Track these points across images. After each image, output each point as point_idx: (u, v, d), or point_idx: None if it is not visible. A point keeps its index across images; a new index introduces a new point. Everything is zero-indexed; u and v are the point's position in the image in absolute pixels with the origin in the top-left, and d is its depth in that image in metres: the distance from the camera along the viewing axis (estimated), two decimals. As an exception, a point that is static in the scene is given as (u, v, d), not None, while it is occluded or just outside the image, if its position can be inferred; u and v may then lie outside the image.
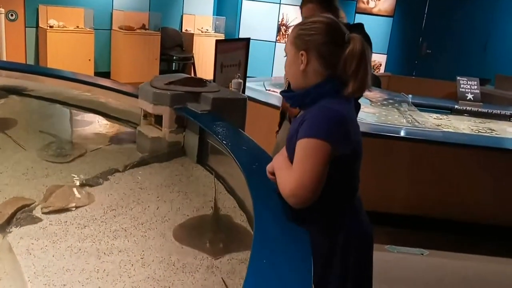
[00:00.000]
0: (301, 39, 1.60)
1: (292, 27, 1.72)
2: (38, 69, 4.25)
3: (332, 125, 1.50)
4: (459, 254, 3.40)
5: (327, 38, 1.58)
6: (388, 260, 3.20)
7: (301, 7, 2.78)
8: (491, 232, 3.75)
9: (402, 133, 3.90)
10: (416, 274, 3.09)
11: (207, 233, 1.93)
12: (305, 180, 1.44)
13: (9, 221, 1.93)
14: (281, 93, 1.85)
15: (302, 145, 1.48)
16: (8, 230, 1.88)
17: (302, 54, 1.59)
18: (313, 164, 1.45)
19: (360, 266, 1.74)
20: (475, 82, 5.61)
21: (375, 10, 10.00)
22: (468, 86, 5.55)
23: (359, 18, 9.95)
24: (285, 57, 1.69)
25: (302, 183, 1.44)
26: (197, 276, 1.68)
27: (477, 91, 5.55)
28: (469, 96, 5.50)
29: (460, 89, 5.56)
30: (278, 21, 9.99)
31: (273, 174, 1.62)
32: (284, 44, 1.74)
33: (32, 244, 1.79)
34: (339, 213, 1.59)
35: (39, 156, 2.59)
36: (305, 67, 1.60)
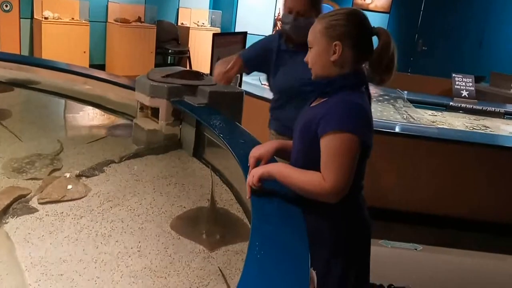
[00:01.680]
0: (335, 29, 1.59)
1: (316, 21, 1.69)
2: (42, 62, 4.22)
3: (359, 119, 1.53)
4: (453, 249, 3.42)
5: (360, 29, 1.61)
6: (382, 254, 3.22)
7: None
8: (485, 228, 3.77)
9: (397, 129, 3.91)
10: (409, 269, 3.11)
11: (203, 225, 1.94)
12: (344, 174, 1.48)
13: (5, 211, 1.93)
14: (303, 82, 1.89)
15: (332, 140, 1.50)
16: (4, 220, 1.88)
17: (336, 45, 1.59)
18: (348, 158, 1.49)
19: (362, 255, 1.78)
20: (470, 79, 5.63)
21: (371, 6, 10.00)
22: (463, 83, 5.58)
23: (355, 14, 9.95)
24: (310, 50, 1.68)
25: (342, 178, 1.48)
26: (193, 265, 1.69)
27: (472, 88, 5.57)
28: (464, 93, 5.53)
29: (456, 86, 5.59)
30: (275, 16, 9.98)
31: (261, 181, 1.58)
32: None
33: (29, 234, 1.79)
34: (350, 203, 1.60)
35: (34, 147, 2.59)
36: (337, 58, 1.60)
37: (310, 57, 1.68)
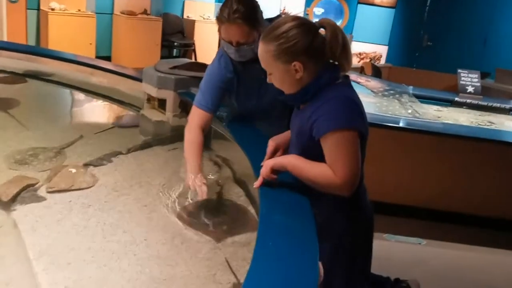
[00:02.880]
0: (286, 52, 1.56)
1: (261, 44, 1.61)
2: (57, 54, 4.23)
3: (350, 112, 1.55)
4: (457, 244, 3.43)
5: (309, 37, 1.56)
6: (386, 248, 3.23)
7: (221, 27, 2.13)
8: (490, 223, 3.78)
9: (402, 124, 3.91)
10: (413, 263, 3.12)
11: (210, 216, 1.94)
12: (352, 167, 1.51)
13: (13, 200, 1.95)
14: (280, 98, 1.77)
15: (333, 140, 1.52)
16: (12, 208, 1.90)
17: (295, 65, 1.57)
18: (351, 151, 1.51)
19: (366, 244, 1.80)
20: (476, 75, 5.61)
21: (377, 1, 9.96)
22: (469, 79, 5.55)
23: (361, 9, 9.93)
24: (270, 75, 1.64)
25: (351, 171, 1.50)
26: (200, 256, 1.70)
27: (478, 84, 5.55)
28: (470, 89, 5.50)
29: (461, 82, 5.56)
30: (280, 10, 9.96)
31: (274, 172, 1.63)
32: None
33: (37, 222, 1.80)
34: (354, 195, 1.61)
35: (41, 137, 2.60)
36: (302, 74, 1.59)
37: (274, 82, 1.65)
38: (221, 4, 2.10)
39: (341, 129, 1.51)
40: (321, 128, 1.53)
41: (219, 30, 2.12)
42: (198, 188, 1.98)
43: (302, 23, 1.57)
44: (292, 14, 1.87)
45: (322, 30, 1.60)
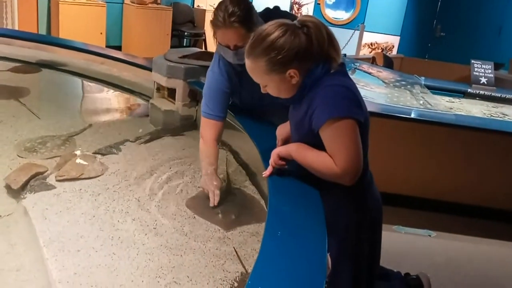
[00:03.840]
0: (279, 63, 1.53)
1: (250, 61, 1.58)
2: (63, 42, 4.24)
3: (346, 100, 1.52)
4: (467, 236, 3.40)
5: (296, 42, 1.52)
6: (395, 240, 3.22)
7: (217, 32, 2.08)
8: (501, 216, 3.74)
9: (414, 115, 3.87)
10: (423, 255, 3.10)
11: (219, 206, 1.94)
12: (353, 156, 1.49)
13: (23, 187, 1.96)
14: (279, 102, 1.72)
15: (330, 129, 1.50)
16: (22, 196, 1.91)
17: (289, 73, 1.54)
18: (350, 140, 1.49)
19: (375, 236, 1.79)
20: (490, 66, 5.54)
21: (390, -9, 9.85)
22: (482, 70, 5.48)
23: (372, -1, 9.84)
24: (264, 87, 1.62)
25: (351, 160, 1.48)
26: (208, 245, 1.70)
27: (491, 75, 5.47)
28: (483, 80, 5.44)
29: (474, 73, 5.50)
30: (291, 0, 9.89)
31: (282, 159, 1.64)
32: None
33: (47, 209, 1.81)
34: (359, 180, 1.60)
35: (52, 125, 2.61)
36: (298, 78, 1.56)
37: (270, 92, 1.63)
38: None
39: (337, 118, 1.49)
40: (318, 120, 1.52)
41: (214, 35, 2.06)
42: (211, 194, 1.97)
43: (286, 30, 1.53)
44: (272, 21, 1.78)
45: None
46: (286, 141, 1.80)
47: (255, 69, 1.58)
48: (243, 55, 2.02)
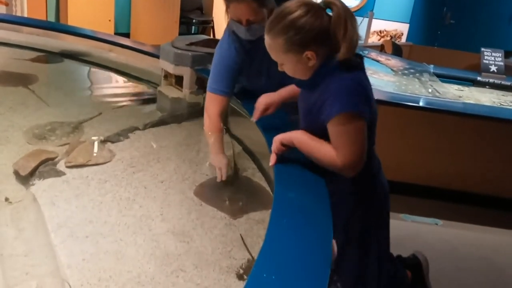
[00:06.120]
0: (297, 43, 1.51)
1: (269, 38, 1.56)
2: (71, 29, 4.25)
3: (356, 96, 1.52)
4: (474, 225, 3.40)
5: (317, 24, 1.50)
6: (402, 228, 3.22)
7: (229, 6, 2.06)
8: (509, 205, 3.73)
9: (422, 103, 3.85)
10: (429, 243, 3.10)
11: (226, 193, 1.95)
12: (356, 154, 1.50)
13: (32, 174, 1.98)
14: (293, 82, 1.77)
15: (336, 123, 1.50)
16: (31, 182, 1.93)
17: (307, 54, 1.52)
18: (354, 136, 1.50)
19: (380, 223, 1.80)
20: (500, 54, 5.48)
21: (399, -22, 9.75)
22: (492, 58, 5.43)
23: (382, -15, 9.74)
24: (281, 65, 1.60)
25: (354, 157, 1.50)
26: (215, 232, 1.72)
27: (502, 63, 5.42)
28: (493, 68, 5.39)
29: (484, 61, 5.44)
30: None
31: (284, 146, 1.65)
32: None
33: (56, 196, 1.83)
34: (364, 170, 1.60)
35: (61, 113, 2.62)
36: (315, 61, 1.54)
37: (287, 71, 1.62)
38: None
39: (345, 113, 1.49)
40: (327, 113, 1.51)
41: (226, 11, 2.06)
42: (218, 170, 2.01)
43: (308, 9, 1.50)
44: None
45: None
46: (265, 112, 1.90)
47: (273, 46, 1.57)
48: (255, 31, 2.05)
